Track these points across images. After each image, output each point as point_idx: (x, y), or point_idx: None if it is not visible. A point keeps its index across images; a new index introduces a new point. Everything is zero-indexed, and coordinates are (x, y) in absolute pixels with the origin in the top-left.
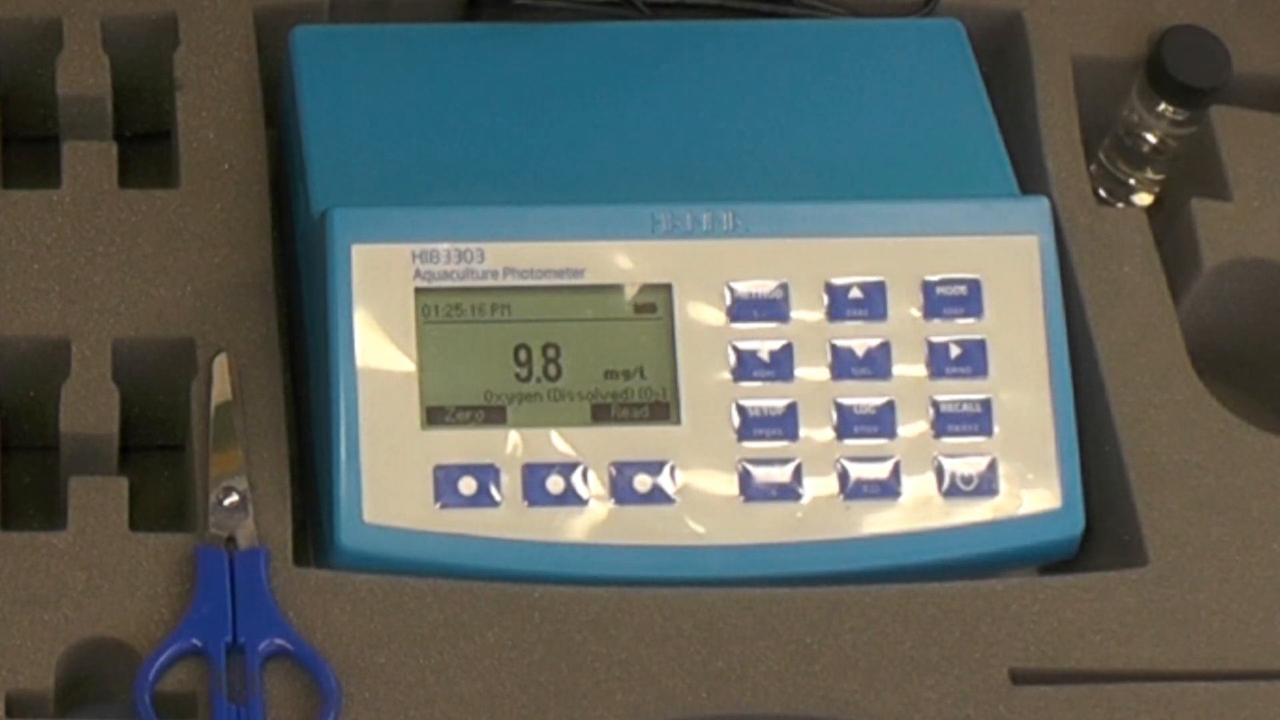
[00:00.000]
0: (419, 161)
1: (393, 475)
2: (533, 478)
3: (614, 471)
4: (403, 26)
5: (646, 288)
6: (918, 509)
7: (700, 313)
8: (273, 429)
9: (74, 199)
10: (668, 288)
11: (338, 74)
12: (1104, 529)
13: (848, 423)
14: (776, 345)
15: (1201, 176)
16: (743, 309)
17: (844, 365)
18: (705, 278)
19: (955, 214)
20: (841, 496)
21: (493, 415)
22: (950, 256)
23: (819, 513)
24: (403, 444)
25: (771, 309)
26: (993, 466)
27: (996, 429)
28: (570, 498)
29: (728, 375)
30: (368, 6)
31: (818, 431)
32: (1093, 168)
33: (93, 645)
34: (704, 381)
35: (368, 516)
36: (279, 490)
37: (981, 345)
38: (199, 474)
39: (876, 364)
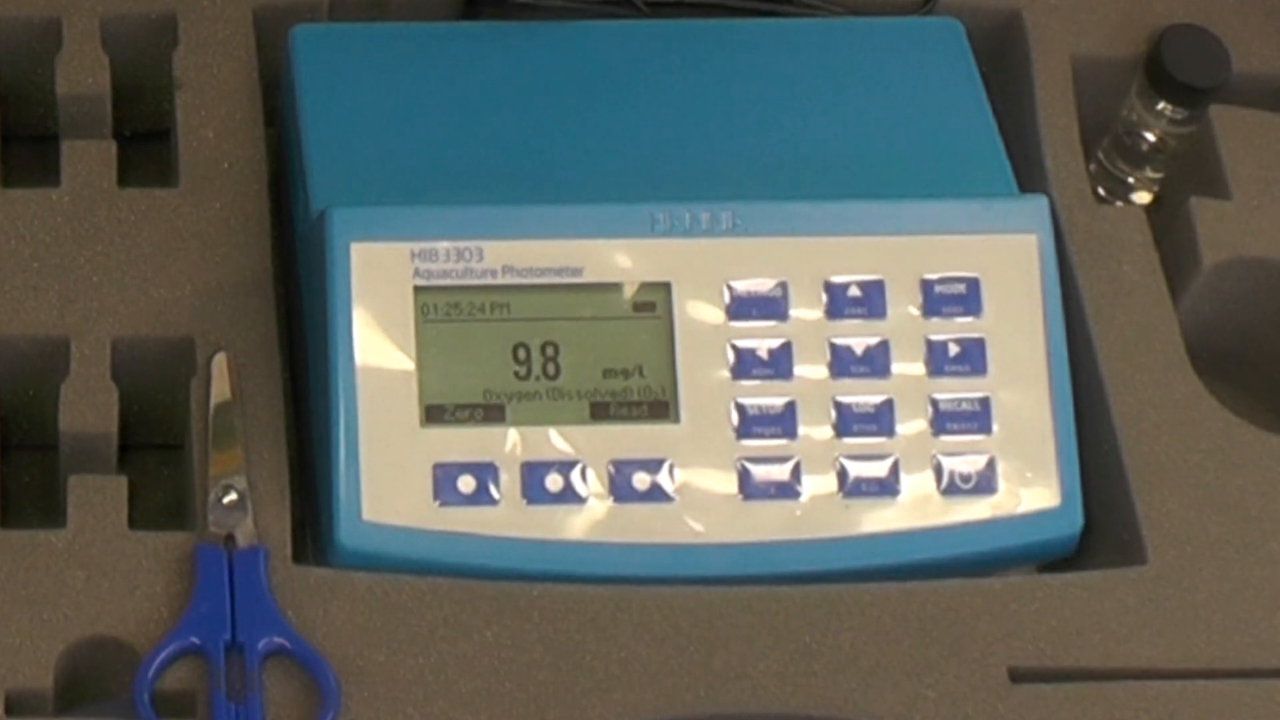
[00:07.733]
0: (418, 160)
1: (392, 474)
2: (532, 476)
3: (613, 470)
4: (402, 25)
5: (645, 286)
6: (916, 507)
7: (699, 311)
8: (272, 428)
9: (74, 198)
10: (667, 286)
11: (337, 73)
12: (1103, 528)
13: (847, 421)
14: (775, 344)
15: (1201, 176)
16: (742, 307)
17: (843, 364)
18: (704, 276)
19: (954, 213)
20: (840, 495)
21: (492, 414)
22: (949, 255)
23: (818, 511)
24: (402, 442)
25: (770, 307)
26: (991, 465)
27: (995, 427)
28: (569, 496)
29: (727, 374)
30: (367, 6)
31: (817, 430)
32: (1092, 167)
33: (92, 644)
34: (703, 380)
35: (367, 515)
36: (278, 489)
37: (980, 344)
38: (198, 473)
39: (875, 362)
